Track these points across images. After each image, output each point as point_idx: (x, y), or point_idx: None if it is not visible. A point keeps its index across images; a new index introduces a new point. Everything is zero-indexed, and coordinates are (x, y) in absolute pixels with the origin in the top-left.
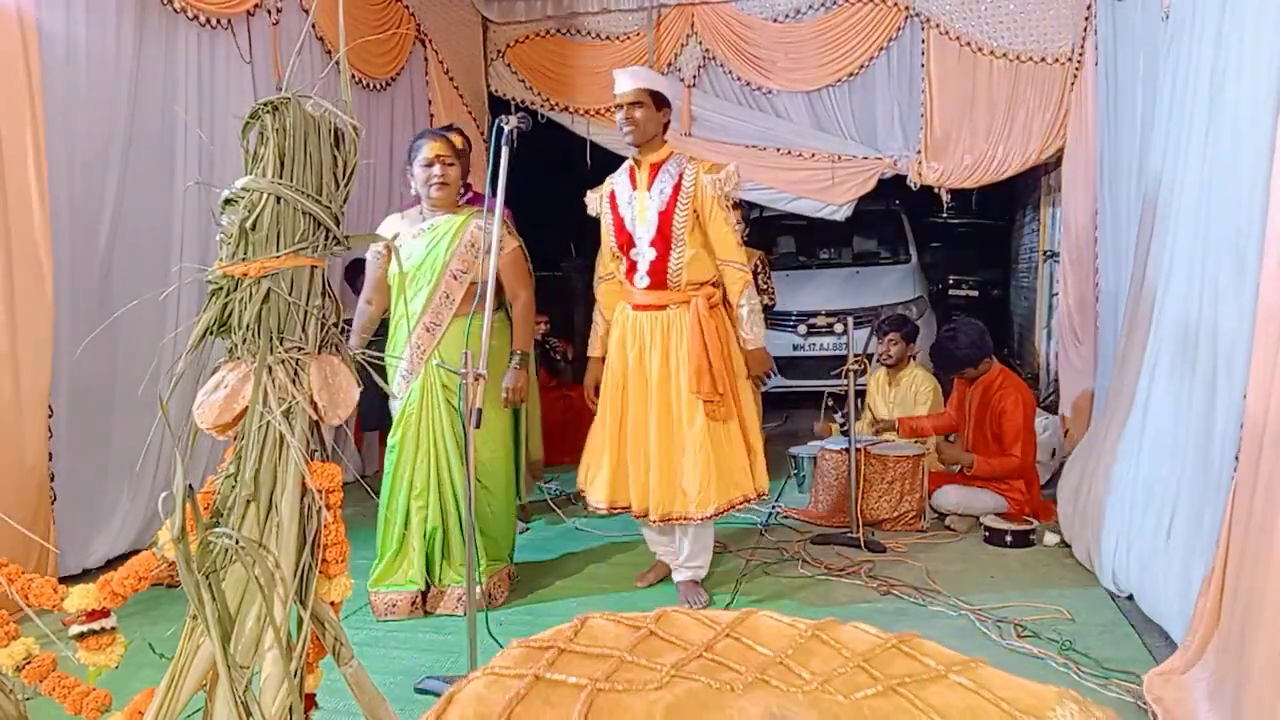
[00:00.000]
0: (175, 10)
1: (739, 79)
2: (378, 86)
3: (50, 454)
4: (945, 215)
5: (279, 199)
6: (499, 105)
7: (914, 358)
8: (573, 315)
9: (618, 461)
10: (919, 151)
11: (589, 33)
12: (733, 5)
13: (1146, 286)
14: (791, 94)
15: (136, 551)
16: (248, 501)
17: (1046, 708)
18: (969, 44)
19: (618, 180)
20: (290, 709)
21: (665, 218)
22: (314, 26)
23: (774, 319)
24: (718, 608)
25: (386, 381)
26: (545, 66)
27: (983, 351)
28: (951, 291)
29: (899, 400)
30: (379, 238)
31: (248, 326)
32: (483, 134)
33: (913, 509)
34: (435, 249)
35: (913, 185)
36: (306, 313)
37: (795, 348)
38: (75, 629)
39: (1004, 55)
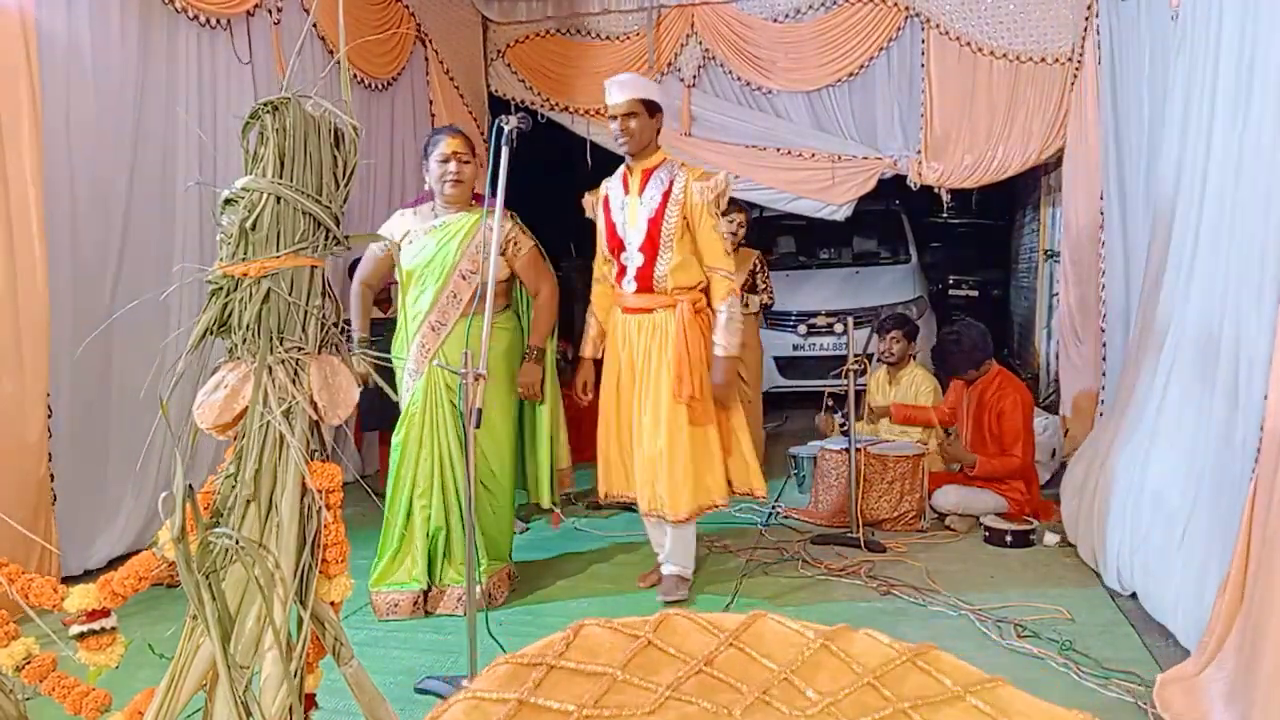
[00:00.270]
0: (176, 10)
1: (739, 79)
2: (378, 86)
3: (51, 454)
4: (945, 215)
5: (279, 199)
6: (499, 105)
7: (914, 356)
8: (573, 315)
9: (619, 456)
10: (919, 151)
11: (589, 33)
12: (733, 5)
13: (1164, 292)
14: (791, 94)
15: (138, 552)
16: (248, 501)
17: None
18: (969, 44)
19: (612, 185)
20: (290, 709)
21: (654, 223)
22: (314, 26)
23: (774, 319)
24: (717, 609)
25: (393, 379)
26: (545, 66)
27: (985, 353)
28: (951, 291)
29: (899, 399)
30: (379, 237)
31: (248, 326)
32: (483, 134)
33: (913, 509)
34: (445, 247)
35: (913, 185)
36: (306, 313)
37: (795, 348)
38: (75, 629)
39: (1004, 55)
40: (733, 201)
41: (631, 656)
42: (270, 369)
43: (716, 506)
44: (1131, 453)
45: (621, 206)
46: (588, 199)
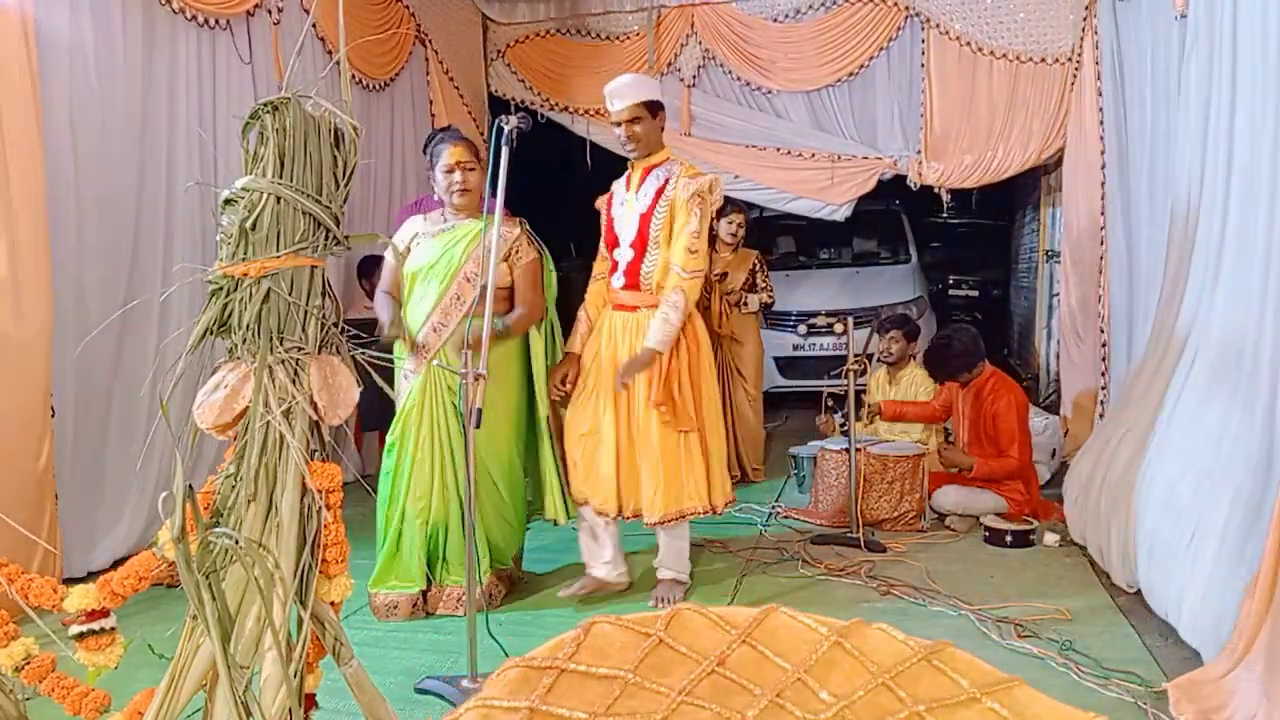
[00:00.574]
0: (175, 10)
1: (739, 79)
2: (378, 86)
3: (54, 456)
4: (945, 215)
5: (279, 199)
6: (499, 105)
7: (914, 357)
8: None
9: (583, 457)
10: (919, 151)
11: (589, 33)
12: (733, 5)
13: (1187, 295)
14: (791, 94)
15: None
16: (248, 501)
17: None
18: (969, 44)
19: (619, 183)
20: (290, 709)
21: (645, 219)
22: (314, 26)
23: (774, 319)
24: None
25: (391, 380)
26: (545, 66)
27: (977, 357)
28: (951, 291)
29: (898, 399)
30: (379, 237)
31: (248, 326)
32: (483, 134)
33: (913, 509)
34: (452, 250)
35: (913, 185)
36: (306, 313)
37: (795, 348)
38: (75, 629)
39: (1004, 55)
40: (732, 202)
41: (643, 657)
42: (270, 369)
43: (698, 513)
44: (1142, 449)
45: (621, 202)
46: (600, 200)
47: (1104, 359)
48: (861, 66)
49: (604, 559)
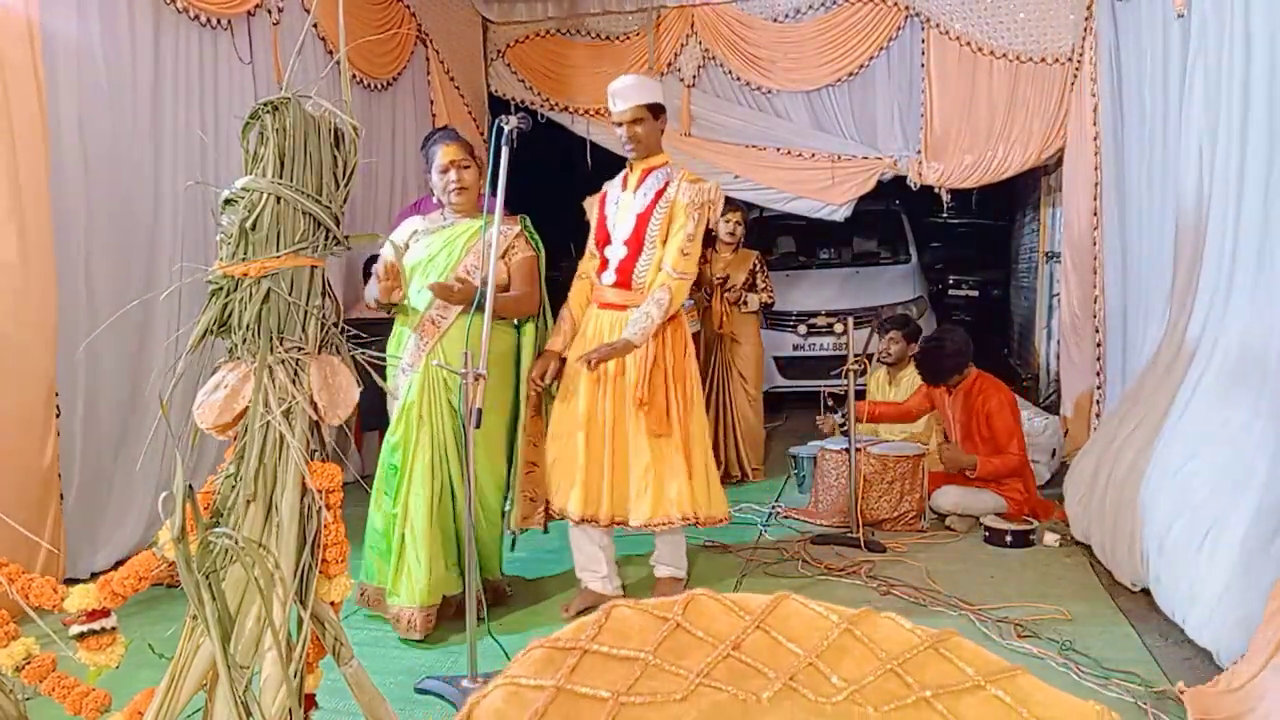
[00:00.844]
0: (176, 10)
1: (739, 79)
2: (378, 86)
3: (59, 455)
4: (945, 215)
5: (279, 199)
6: (499, 105)
7: (914, 357)
8: None
9: (586, 469)
10: (919, 151)
11: (589, 33)
12: (733, 5)
13: (1199, 301)
14: (791, 94)
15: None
16: (248, 501)
17: None
18: (969, 44)
19: (612, 183)
20: (290, 709)
21: (642, 219)
22: (314, 26)
23: (774, 319)
24: None
25: (386, 379)
26: (545, 66)
27: (967, 358)
28: (951, 291)
29: (898, 399)
30: (379, 237)
31: (248, 326)
32: (483, 134)
33: (913, 509)
34: (451, 245)
35: (913, 185)
36: (306, 313)
37: (795, 347)
38: (75, 629)
39: (1004, 55)
40: (732, 202)
41: (662, 640)
42: (270, 369)
43: (689, 522)
44: (1150, 447)
45: (616, 201)
46: (589, 201)
47: (1099, 359)
48: (861, 66)
49: (601, 573)
